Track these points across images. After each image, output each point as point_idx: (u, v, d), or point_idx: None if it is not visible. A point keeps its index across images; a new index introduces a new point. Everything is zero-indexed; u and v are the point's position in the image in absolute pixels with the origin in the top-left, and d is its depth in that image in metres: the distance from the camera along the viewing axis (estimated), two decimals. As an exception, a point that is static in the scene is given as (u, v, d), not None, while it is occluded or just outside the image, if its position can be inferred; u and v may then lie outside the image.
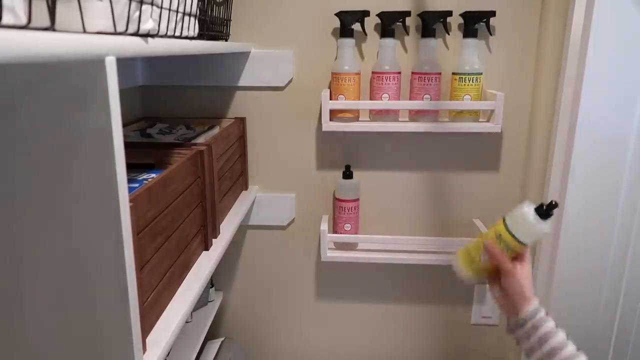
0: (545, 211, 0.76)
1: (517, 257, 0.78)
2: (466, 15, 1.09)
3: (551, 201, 0.76)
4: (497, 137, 1.18)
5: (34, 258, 0.46)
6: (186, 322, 1.05)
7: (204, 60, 1.18)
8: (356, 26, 1.11)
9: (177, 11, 0.62)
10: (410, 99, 1.13)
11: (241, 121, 1.20)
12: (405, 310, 1.33)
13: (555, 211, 0.76)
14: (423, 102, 1.10)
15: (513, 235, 0.77)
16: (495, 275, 0.80)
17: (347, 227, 1.19)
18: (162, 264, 0.68)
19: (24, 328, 0.49)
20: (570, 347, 0.70)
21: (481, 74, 1.09)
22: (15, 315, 0.49)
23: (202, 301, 1.23)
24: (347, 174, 1.19)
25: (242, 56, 1.17)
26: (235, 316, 1.37)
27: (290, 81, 1.19)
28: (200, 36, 0.80)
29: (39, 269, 0.47)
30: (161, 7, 0.56)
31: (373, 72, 1.12)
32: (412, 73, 1.12)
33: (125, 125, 1.08)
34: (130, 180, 0.70)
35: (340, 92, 1.11)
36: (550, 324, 0.72)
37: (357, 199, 1.20)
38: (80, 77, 0.41)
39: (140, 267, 0.59)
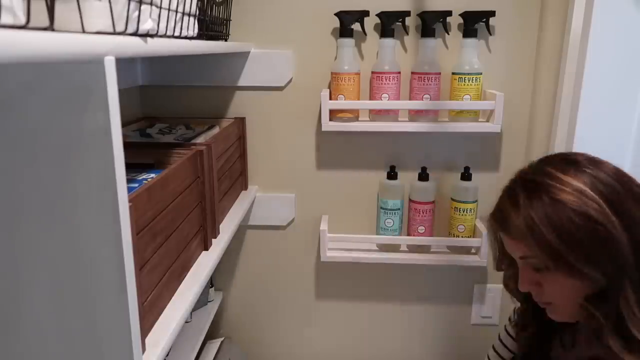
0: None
1: None
2: (466, 15, 1.09)
3: None
4: (497, 137, 1.18)
5: (33, 258, 0.46)
6: (186, 322, 1.05)
7: (204, 60, 1.18)
8: (356, 26, 1.11)
9: (176, 11, 0.62)
10: (410, 99, 1.13)
11: (241, 121, 1.20)
12: (405, 310, 1.33)
13: None
14: (423, 102, 1.10)
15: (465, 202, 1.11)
16: None
17: (421, 229, 1.18)
18: (162, 263, 0.68)
19: (23, 328, 0.49)
20: None
21: (481, 73, 1.09)
22: (15, 315, 0.49)
23: (201, 301, 1.23)
24: (423, 176, 1.16)
25: (242, 56, 1.17)
26: (235, 316, 1.37)
27: (289, 81, 1.19)
28: (200, 36, 0.80)
29: (38, 269, 0.47)
30: (160, 7, 0.56)
31: (373, 72, 1.12)
32: (412, 73, 1.12)
33: (124, 125, 1.08)
34: (129, 180, 0.70)
35: (340, 92, 1.11)
36: None
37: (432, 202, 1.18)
38: (79, 77, 0.41)
39: (139, 267, 0.59)
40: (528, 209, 0.64)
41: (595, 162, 0.66)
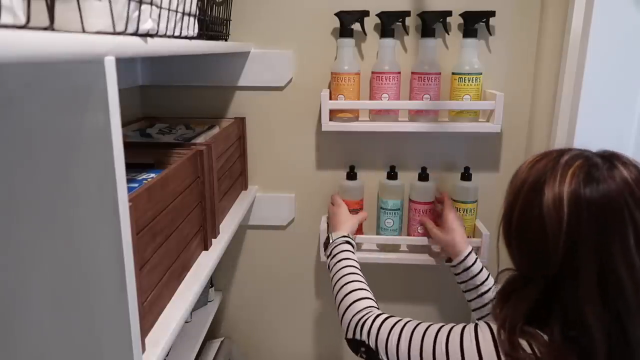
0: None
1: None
2: (466, 15, 1.09)
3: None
4: (497, 137, 1.18)
5: (34, 258, 0.46)
6: (186, 322, 1.05)
7: (204, 60, 1.18)
8: (356, 26, 1.11)
9: (176, 11, 0.62)
10: (410, 99, 1.13)
11: (241, 121, 1.20)
12: (405, 310, 1.33)
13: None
14: (423, 102, 1.10)
15: (465, 202, 1.12)
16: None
17: (421, 229, 1.17)
18: (162, 263, 0.68)
19: (23, 328, 0.49)
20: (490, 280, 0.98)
21: (481, 73, 1.09)
22: (15, 315, 0.49)
23: (201, 301, 1.23)
24: (423, 176, 1.16)
25: (242, 56, 1.17)
26: (235, 316, 1.37)
27: (290, 81, 1.19)
28: (200, 36, 0.80)
29: (38, 269, 0.47)
30: (160, 7, 0.56)
31: (373, 72, 1.12)
32: (412, 73, 1.12)
33: (124, 125, 1.08)
34: (129, 180, 0.70)
35: (340, 92, 1.11)
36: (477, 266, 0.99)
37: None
38: (79, 77, 0.41)
39: (139, 266, 0.59)
40: (529, 172, 0.67)
41: (599, 179, 0.62)
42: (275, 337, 1.38)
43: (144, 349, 0.59)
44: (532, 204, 0.63)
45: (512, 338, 0.63)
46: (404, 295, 1.32)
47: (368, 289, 0.90)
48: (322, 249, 1.17)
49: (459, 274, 1.01)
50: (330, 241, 1.03)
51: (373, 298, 0.88)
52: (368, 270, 1.28)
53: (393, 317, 0.79)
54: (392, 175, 1.16)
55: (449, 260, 1.05)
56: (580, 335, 0.61)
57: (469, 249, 1.01)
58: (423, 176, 1.16)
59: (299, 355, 1.39)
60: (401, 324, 0.76)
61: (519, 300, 0.65)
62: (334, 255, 0.99)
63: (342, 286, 0.90)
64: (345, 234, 1.03)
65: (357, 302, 0.85)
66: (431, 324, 0.74)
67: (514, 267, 0.70)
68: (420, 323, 0.75)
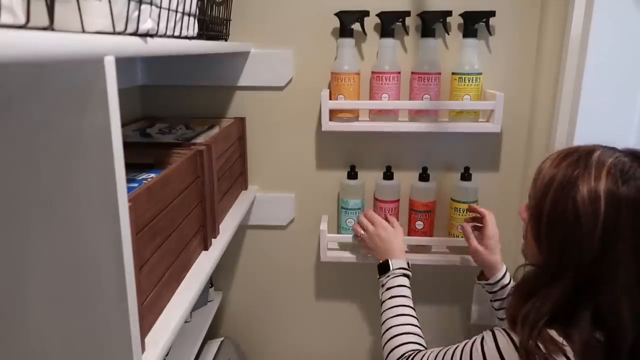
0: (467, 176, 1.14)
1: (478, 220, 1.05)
2: (466, 15, 1.09)
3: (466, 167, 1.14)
4: (497, 137, 1.18)
5: (33, 257, 0.46)
6: (185, 322, 1.05)
7: (204, 60, 1.18)
8: (356, 26, 1.11)
9: (176, 11, 0.62)
10: (410, 99, 1.13)
11: (241, 121, 1.20)
12: (404, 310, 1.32)
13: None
14: (423, 102, 1.10)
15: (465, 202, 1.13)
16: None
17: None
18: (161, 263, 0.68)
19: (23, 327, 0.49)
20: None
21: (481, 74, 1.09)
22: (15, 315, 0.49)
23: (201, 301, 1.23)
24: (388, 175, 1.18)
25: (242, 56, 1.17)
26: (235, 316, 1.37)
27: (290, 81, 1.19)
28: (200, 36, 0.80)
29: (38, 269, 0.47)
30: (160, 7, 0.56)
31: (373, 72, 1.12)
32: (412, 73, 1.12)
33: (124, 125, 1.08)
34: (129, 180, 0.70)
35: (340, 92, 1.11)
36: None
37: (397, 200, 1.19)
38: (79, 77, 0.41)
39: (139, 266, 0.59)
40: (557, 168, 0.68)
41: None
42: (275, 337, 1.38)
43: (143, 349, 0.59)
44: (565, 198, 0.64)
45: (534, 333, 0.63)
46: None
47: (414, 330, 0.91)
48: (322, 249, 1.18)
49: (495, 291, 0.99)
50: (391, 269, 0.99)
51: (416, 341, 0.89)
52: (367, 270, 1.29)
53: (422, 351, 0.83)
54: (352, 175, 1.18)
55: (481, 277, 1.02)
56: (610, 330, 0.62)
57: (504, 267, 0.99)
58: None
59: (298, 355, 1.39)
60: (426, 355, 0.81)
61: (545, 295, 0.65)
62: (389, 288, 0.97)
63: (390, 327, 0.91)
64: (405, 266, 1.00)
65: (399, 347, 0.88)
66: (448, 348, 0.77)
67: (542, 263, 0.69)
68: (441, 350, 0.79)
